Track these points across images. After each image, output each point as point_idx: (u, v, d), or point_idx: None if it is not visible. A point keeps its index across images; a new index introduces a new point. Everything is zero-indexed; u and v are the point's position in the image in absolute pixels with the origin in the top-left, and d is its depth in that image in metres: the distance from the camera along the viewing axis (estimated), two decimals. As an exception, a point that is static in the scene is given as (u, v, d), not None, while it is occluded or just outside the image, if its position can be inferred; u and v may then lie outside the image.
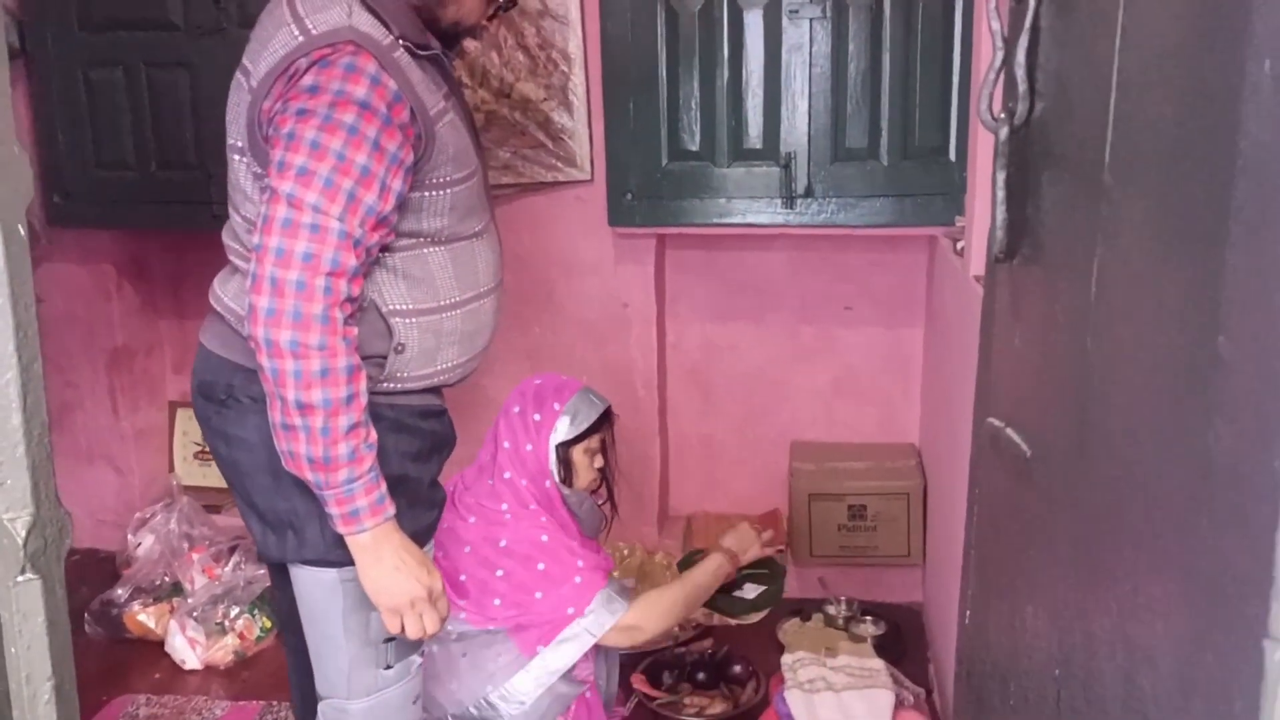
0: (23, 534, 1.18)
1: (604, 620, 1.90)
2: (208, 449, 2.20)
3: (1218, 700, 0.52)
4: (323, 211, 1.32)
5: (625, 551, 2.94)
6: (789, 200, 2.47)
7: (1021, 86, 0.91)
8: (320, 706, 1.62)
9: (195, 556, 2.75)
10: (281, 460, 1.40)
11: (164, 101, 2.68)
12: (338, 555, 1.48)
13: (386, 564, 1.43)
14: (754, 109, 2.46)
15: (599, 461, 2.04)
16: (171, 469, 3.16)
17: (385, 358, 1.47)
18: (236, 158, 1.49)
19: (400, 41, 1.41)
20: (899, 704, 2.10)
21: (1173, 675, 0.60)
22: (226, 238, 1.57)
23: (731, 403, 2.93)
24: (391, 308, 1.47)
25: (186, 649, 2.59)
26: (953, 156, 2.38)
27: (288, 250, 1.31)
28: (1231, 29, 0.49)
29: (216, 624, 2.61)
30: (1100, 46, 0.77)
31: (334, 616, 1.53)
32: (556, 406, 1.97)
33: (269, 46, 1.40)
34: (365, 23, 1.39)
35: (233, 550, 2.79)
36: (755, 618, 2.24)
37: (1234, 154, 0.49)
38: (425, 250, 1.50)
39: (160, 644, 2.64)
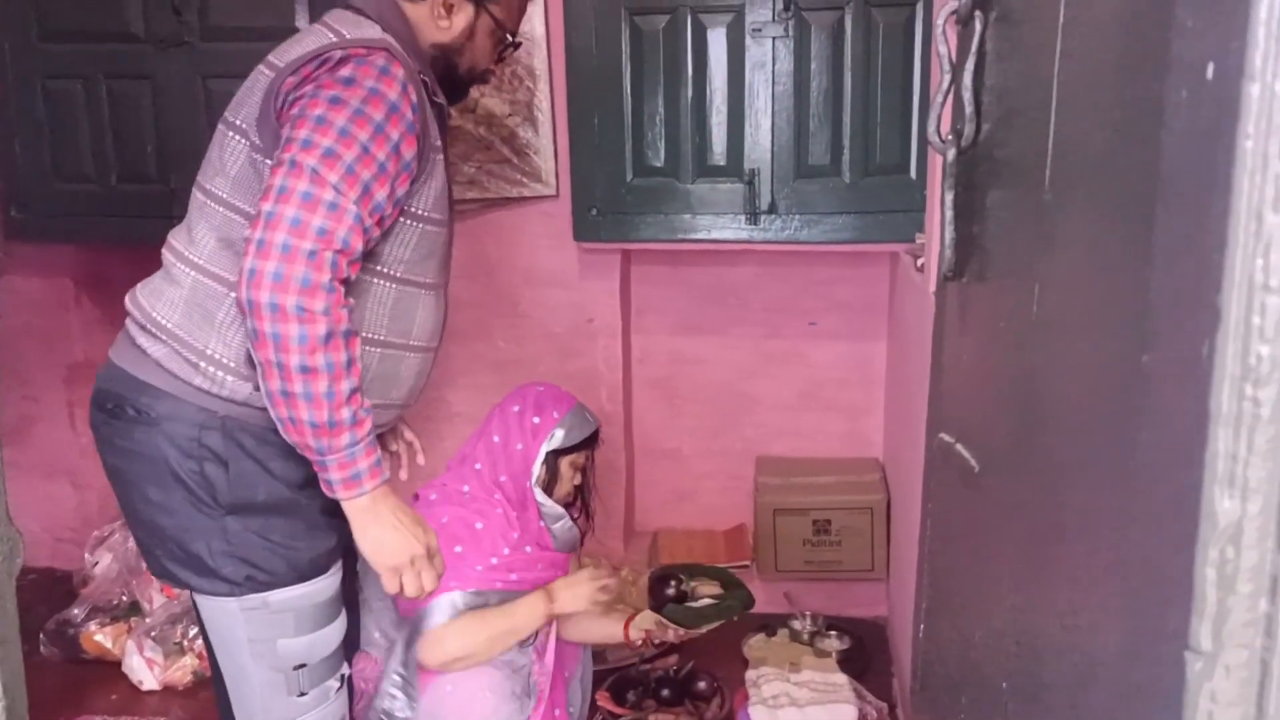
0: (-30, 552, 1.16)
1: (432, 620, 1.87)
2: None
3: (1150, 712, 0.53)
4: (342, 193, 1.34)
5: (591, 566, 2.94)
6: (753, 216, 2.49)
7: (968, 109, 0.93)
8: None
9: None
10: (280, 428, 1.39)
11: (124, 113, 2.65)
12: (227, 586, 1.47)
13: (386, 523, 1.44)
14: (718, 126, 2.48)
15: (579, 479, 2.08)
16: (132, 485, 3.12)
17: None
18: (236, 137, 1.48)
19: (421, 76, 1.49)
20: (862, 718, 2.11)
21: (1111, 686, 0.61)
22: (175, 241, 1.54)
23: (697, 417, 2.94)
24: None
25: (144, 669, 2.55)
26: (913, 174, 2.41)
27: (304, 222, 1.32)
28: (1153, 54, 0.51)
29: (175, 644, 2.57)
30: (1041, 68, 0.78)
31: (240, 645, 1.51)
32: (556, 415, 2.01)
33: (302, 43, 1.46)
34: (396, 47, 1.46)
35: (193, 567, 2.76)
36: (705, 628, 2.23)
37: (1155, 177, 0.51)
38: (372, 280, 1.49)
39: (117, 664, 2.60)
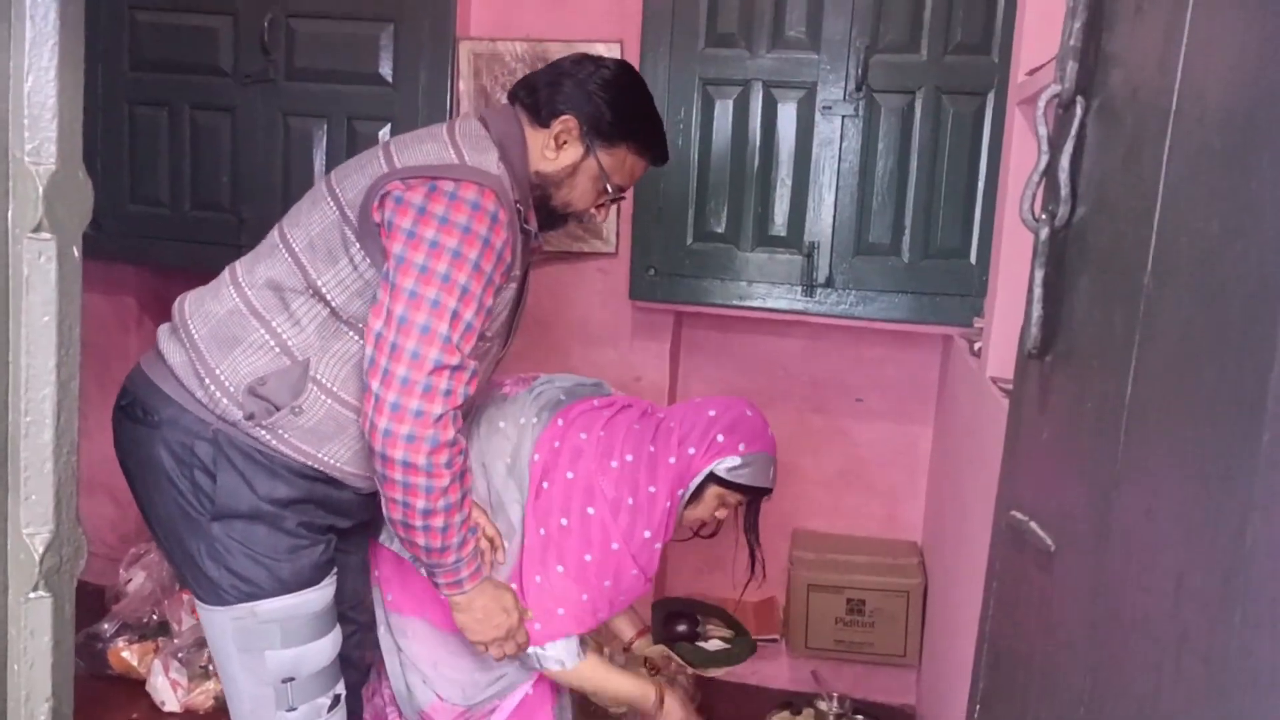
0: (40, 550, 1.18)
1: (562, 658, 1.87)
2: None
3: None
4: (452, 342, 1.50)
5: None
6: (809, 289, 2.51)
7: (1064, 190, 0.94)
8: None
9: (185, 597, 2.72)
10: (396, 534, 1.56)
11: (204, 143, 2.75)
12: (216, 593, 1.54)
13: (475, 612, 1.67)
14: (781, 198, 2.51)
15: (722, 514, 2.00)
16: (170, 506, 3.15)
17: (279, 408, 1.53)
18: (331, 203, 1.58)
19: (516, 205, 1.58)
20: (888, 805, 2.06)
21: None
22: (238, 265, 1.63)
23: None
24: (317, 376, 1.55)
25: (168, 690, 2.55)
26: (973, 259, 2.42)
27: (435, 387, 1.48)
28: (1269, 145, 0.52)
29: (201, 668, 2.58)
30: (1146, 157, 0.80)
31: (230, 655, 1.57)
32: (742, 447, 1.93)
33: (424, 148, 1.56)
34: (502, 183, 1.55)
35: (224, 593, 2.76)
36: (713, 672, 2.20)
37: (1276, 266, 0.52)
38: None
39: (141, 683, 2.61)
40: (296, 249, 1.57)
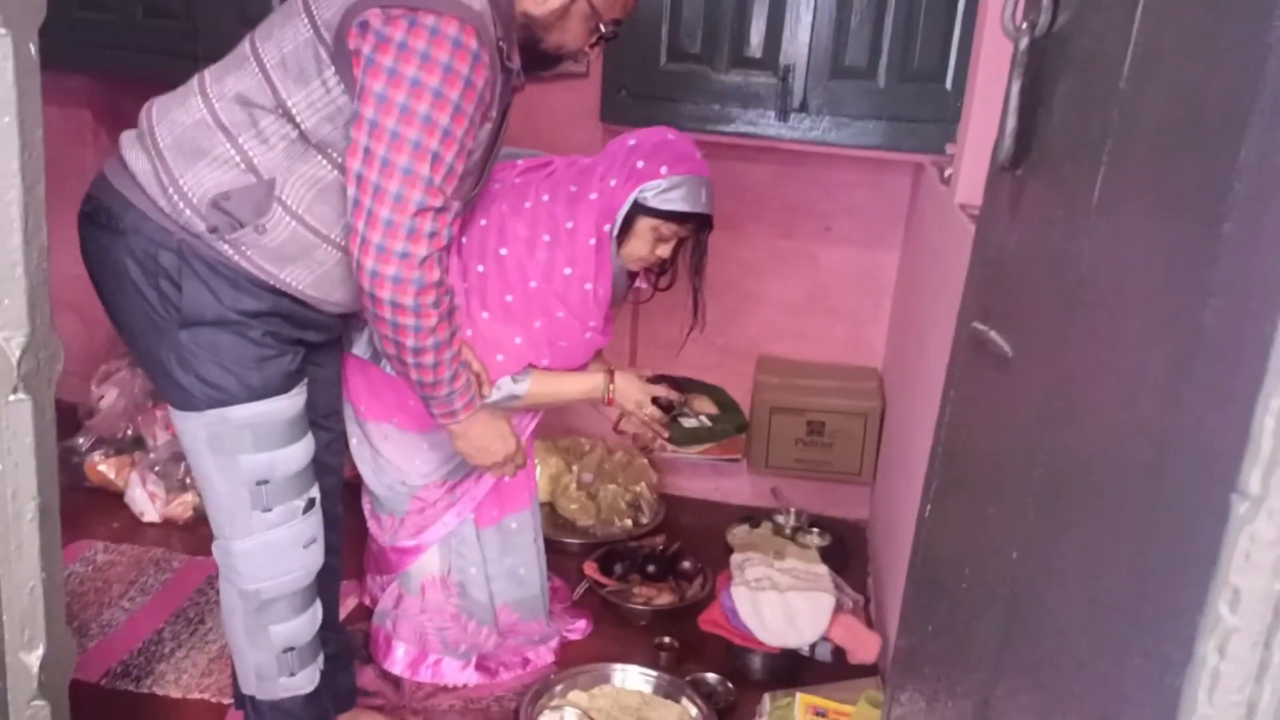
0: (17, 354, 1.20)
1: (512, 391, 1.95)
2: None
3: (1185, 554, 0.57)
4: (434, 183, 1.50)
5: (586, 446, 3.00)
6: (783, 113, 2.48)
7: (1046, -3, 0.93)
8: (213, 547, 1.70)
9: (159, 413, 2.76)
10: (389, 367, 1.64)
11: (154, -55, 2.60)
12: (186, 398, 1.57)
13: (473, 440, 1.80)
14: (757, 16, 2.45)
15: (663, 250, 1.95)
16: (137, 326, 3.15)
17: (243, 225, 1.52)
18: (305, 20, 1.51)
19: (499, 43, 1.52)
20: (838, 608, 2.20)
21: (1132, 553, 0.65)
22: (208, 74, 1.59)
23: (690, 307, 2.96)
24: (284, 197, 1.53)
25: (146, 502, 2.62)
26: (949, 84, 2.40)
27: (418, 230, 1.49)
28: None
29: (177, 480, 2.64)
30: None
31: (205, 458, 1.61)
32: (664, 170, 1.87)
33: None
34: (484, 18, 1.48)
35: (197, 410, 2.80)
36: (692, 450, 2.22)
37: (1265, 47, 0.52)
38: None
39: (119, 495, 2.67)
40: (268, 65, 1.52)
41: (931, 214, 2.33)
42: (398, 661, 2.22)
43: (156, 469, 2.62)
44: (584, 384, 2.05)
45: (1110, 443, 0.71)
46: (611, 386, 2.05)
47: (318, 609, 1.76)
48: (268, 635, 1.70)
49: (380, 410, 2.02)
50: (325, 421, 1.83)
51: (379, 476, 2.10)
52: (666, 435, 2.15)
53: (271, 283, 1.57)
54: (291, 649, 1.72)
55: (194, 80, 1.59)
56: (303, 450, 1.65)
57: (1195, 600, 0.54)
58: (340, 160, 1.52)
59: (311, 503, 1.68)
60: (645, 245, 1.93)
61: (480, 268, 1.91)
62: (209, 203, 1.51)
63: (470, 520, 2.14)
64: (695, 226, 1.94)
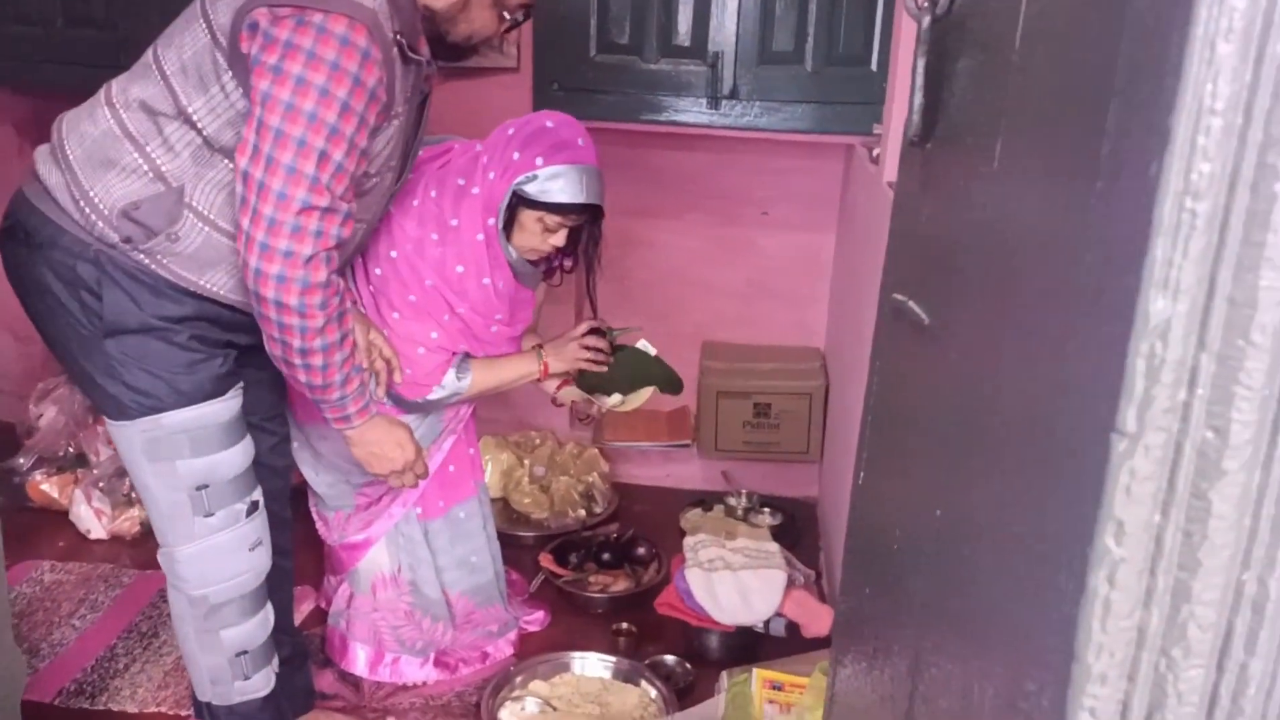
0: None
1: (455, 389, 2.00)
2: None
3: (1074, 489, 0.61)
4: (341, 198, 1.51)
5: (537, 440, 3.02)
6: (714, 100, 2.51)
7: (945, -25, 0.97)
8: (158, 555, 1.70)
9: (101, 429, 2.73)
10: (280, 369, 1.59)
11: (72, -46, 2.56)
12: (118, 408, 1.57)
13: (369, 446, 1.74)
14: (684, 5, 2.48)
15: (555, 240, 1.93)
16: (75, 342, 3.10)
17: (157, 233, 1.52)
18: (204, 26, 1.50)
19: (396, 37, 1.50)
20: (790, 584, 2.24)
21: (1034, 469, 0.69)
22: (114, 84, 1.58)
23: (646, 300, 3.00)
24: (193, 203, 1.53)
25: (92, 518, 2.59)
26: (874, 67, 2.44)
27: (303, 228, 1.46)
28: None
29: (123, 495, 2.61)
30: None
31: (142, 466, 1.61)
32: (539, 161, 1.85)
33: None
34: (376, 15, 1.46)
35: (140, 424, 2.77)
36: (631, 405, 2.24)
37: (1121, 19, 0.56)
38: None
39: (64, 513, 2.64)
40: (168, 72, 1.52)
41: (863, 194, 2.38)
42: (356, 662, 2.22)
43: (101, 485, 2.59)
44: (520, 365, 2.09)
45: (1013, 398, 0.74)
46: (543, 356, 2.10)
47: (268, 612, 1.76)
48: (219, 640, 1.70)
49: (316, 411, 2.03)
50: (268, 425, 1.83)
51: (320, 475, 2.11)
52: (611, 358, 2.15)
53: (192, 289, 1.57)
54: (244, 653, 1.73)
55: (101, 91, 1.59)
56: (241, 453, 1.65)
57: (1085, 535, 0.58)
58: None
59: (254, 505, 1.69)
60: (534, 237, 1.92)
61: (378, 270, 1.94)
62: (119, 213, 1.51)
63: (414, 519, 2.14)
64: (587, 216, 1.94)
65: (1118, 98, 0.56)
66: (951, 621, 0.86)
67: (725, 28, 2.47)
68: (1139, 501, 0.56)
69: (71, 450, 2.71)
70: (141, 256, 1.53)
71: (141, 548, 2.57)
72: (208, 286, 1.57)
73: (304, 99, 1.42)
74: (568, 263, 2.10)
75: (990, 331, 0.82)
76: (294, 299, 1.47)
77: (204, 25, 1.50)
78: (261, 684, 1.77)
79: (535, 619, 2.41)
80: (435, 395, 1.95)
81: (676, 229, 2.95)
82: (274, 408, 1.87)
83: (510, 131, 1.91)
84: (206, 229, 1.54)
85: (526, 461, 2.94)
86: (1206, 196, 0.51)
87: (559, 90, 2.57)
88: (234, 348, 1.66)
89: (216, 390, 1.61)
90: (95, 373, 1.56)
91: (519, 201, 1.87)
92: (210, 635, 1.70)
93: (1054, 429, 0.64)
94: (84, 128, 1.55)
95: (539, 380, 2.15)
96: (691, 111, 2.53)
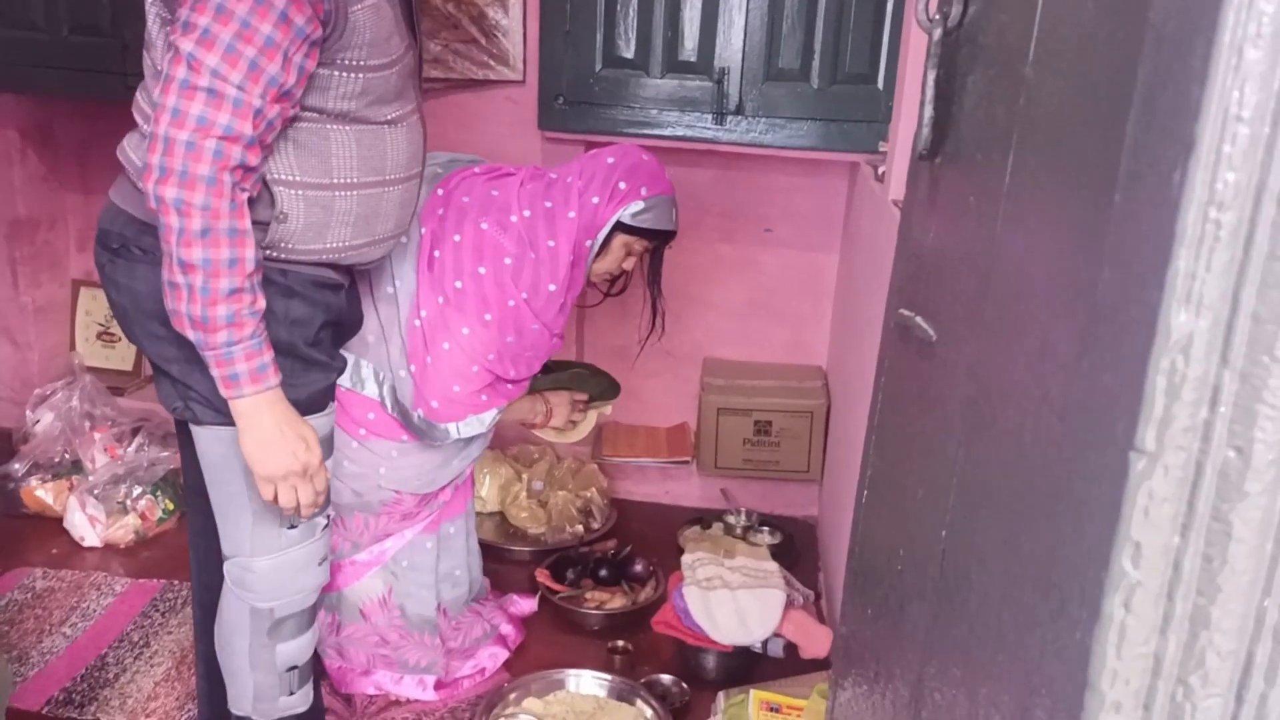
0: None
1: (480, 429, 2.04)
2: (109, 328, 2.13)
3: (1090, 511, 0.59)
4: (221, 77, 1.33)
5: (535, 455, 3.00)
6: (719, 116, 2.51)
7: (957, -12, 0.96)
8: (226, 566, 1.65)
9: (97, 436, 2.71)
10: (170, 318, 1.42)
11: (79, -39, 2.56)
12: (226, 415, 1.50)
13: (264, 433, 1.46)
14: (691, 20, 2.47)
15: (629, 264, 2.09)
16: (73, 346, 3.09)
17: (268, 225, 1.49)
18: (152, 6, 1.47)
19: None
20: (789, 604, 2.21)
21: (1050, 491, 0.67)
22: (140, 98, 1.55)
23: (648, 316, 2.98)
24: (275, 176, 1.48)
25: (86, 526, 2.56)
26: (880, 84, 2.44)
27: (183, 111, 1.33)
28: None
29: (118, 503, 2.59)
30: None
31: (236, 473, 1.56)
32: (644, 191, 1.99)
33: None
34: None
35: (136, 431, 2.76)
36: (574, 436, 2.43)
37: (1143, 24, 0.55)
38: (328, 127, 1.50)
39: (58, 520, 2.61)
40: (151, 66, 1.50)
41: (867, 211, 2.37)
42: (354, 682, 2.19)
43: (96, 492, 2.56)
44: (523, 408, 2.23)
45: (1021, 417, 0.73)
46: (545, 406, 2.28)
47: (317, 627, 1.75)
48: (274, 654, 1.68)
49: (347, 422, 2.00)
50: None
51: (347, 483, 2.06)
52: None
53: (322, 258, 1.54)
54: (294, 668, 1.71)
55: (134, 113, 1.54)
56: (330, 468, 1.62)
57: (1100, 558, 0.56)
58: (298, 112, 1.46)
59: (330, 520, 1.68)
60: (616, 260, 2.05)
61: (459, 284, 1.92)
62: None
63: (426, 546, 2.13)
64: (660, 241, 2.09)
65: (1138, 107, 0.55)
66: (956, 646, 0.83)
67: (731, 44, 2.46)
68: (1157, 523, 0.54)
69: (67, 457, 2.68)
70: (271, 252, 1.49)
71: (135, 556, 2.55)
72: (333, 245, 1.54)
73: (224, 27, 1.32)
74: (617, 286, 2.22)
75: (998, 349, 0.80)
76: (170, 191, 1.33)
77: (153, 12, 1.46)
78: (302, 700, 1.74)
79: (524, 606, 2.42)
80: (464, 431, 1.96)
81: (679, 245, 2.91)
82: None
83: (610, 161, 2.01)
84: (302, 191, 1.49)
85: (524, 476, 2.91)
86: (1232, 207, 0.49)
87: (564, 104, 2.56)
88: (339, 363, 1.67)
89: (321, 404, 1.59)
90: (206, 382, 1.48)
91: (615, 227, 2.00)
92: (267, 650, 1.67)
93: (1065, 450, 0.62)
94: (145, 147, 1.45)
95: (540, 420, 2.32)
96: (696, 127, 2.52)
